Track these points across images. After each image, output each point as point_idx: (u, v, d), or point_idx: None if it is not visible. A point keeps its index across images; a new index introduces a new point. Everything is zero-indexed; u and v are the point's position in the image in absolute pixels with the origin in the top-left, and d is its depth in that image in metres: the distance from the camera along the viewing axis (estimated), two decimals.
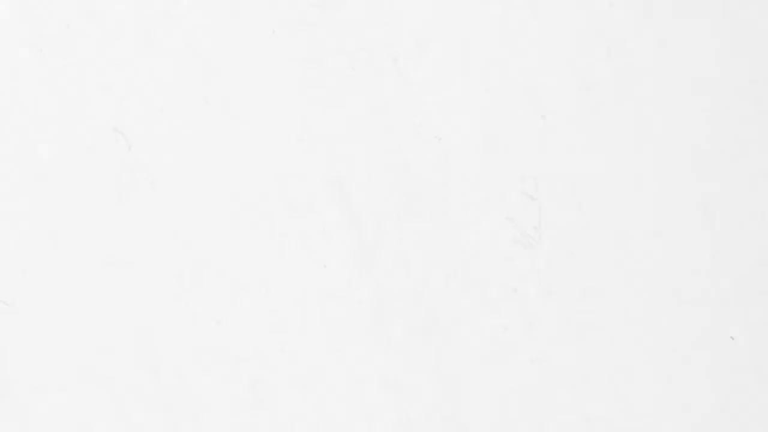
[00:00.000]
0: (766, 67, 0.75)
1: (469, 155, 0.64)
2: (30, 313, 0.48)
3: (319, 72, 0.59)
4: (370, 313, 0.57)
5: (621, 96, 0.71)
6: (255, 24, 0.57)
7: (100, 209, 0.50)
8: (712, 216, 0.73)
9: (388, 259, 0.59)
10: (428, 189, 0.61)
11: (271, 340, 0.53)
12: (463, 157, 0.64)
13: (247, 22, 0.57)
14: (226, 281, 0.53)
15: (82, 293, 0.49)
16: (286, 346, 0.54)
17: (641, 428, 0.69)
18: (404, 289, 0.59)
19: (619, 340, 0.69)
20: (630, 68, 0.72)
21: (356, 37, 0.61)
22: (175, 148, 0.52)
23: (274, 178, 0.56)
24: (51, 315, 0.49)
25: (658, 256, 0.72)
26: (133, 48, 0.53)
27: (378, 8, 0.63)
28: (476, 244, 0.63)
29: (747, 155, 0.74)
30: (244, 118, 0.55)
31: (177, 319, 0.51)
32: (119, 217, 0.51)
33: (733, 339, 0.73)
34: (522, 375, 0.63)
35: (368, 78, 0.61)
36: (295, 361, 0.54)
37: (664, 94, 0.73)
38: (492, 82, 0.67)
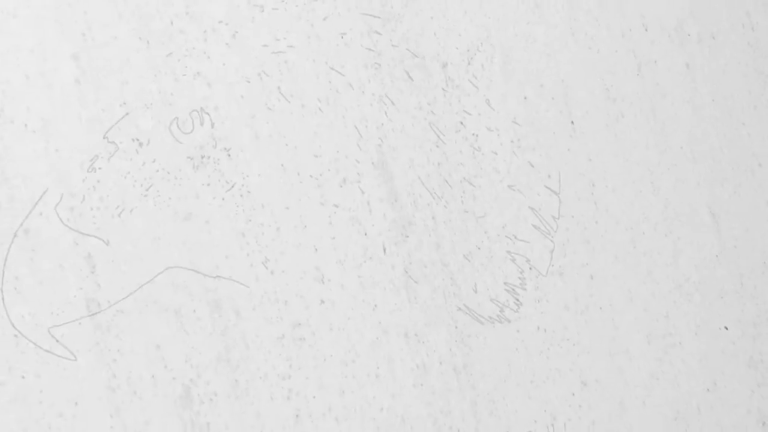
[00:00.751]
0: None
1: (502, 151, 0.72)
2: (121, 249, 0.59)
3: (378, 74, 0.68)
4: (400, 277, 0.66)
5: (644, 109, 0.79)
6: (327, 29, 0.66)
7: (183, 173, 0.61)
8: (719, 220, 0.80)
9: (420, 233, 0.68)
10: (462, 177, 0.70)
11: (313, 290, 0.63)
12: (496, 153, 0.72)
13: (320, 27, 0.66)
14: (281, 238, 0.62)
15: (164, 240, 0.58)
16: (326, 297, 0.63)
17: (631, 396, 0.75)
18: (432, 260, 0.67)
19: (619, 320, 0.76)
20: (656, 86, 0.80)
21: (412, 47, 0.69)
22: (250, 129, 0.62)
23: (332, 159, 0.65)
24: (136, 253, 0.59)
25: (664, 251, 0.78)
26: (223, 44, 0.62)
27: (432, 23, 0.71)
28: (499, 228, 0.71)
29: (754, 169, 0.81)
30: (311, 109, 0.65)
31: (237, 266, 0.61)
32: (198, 180, 0.61)
33: (727, 329, 0.79)
34: (528, 340, 0.71)
35: (420, 81, 0.70)
36: (332, 310, 0.64)
37: (684, 111, 0.80)
38: (529, 90, 0.75)
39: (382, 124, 0.66)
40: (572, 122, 0.74)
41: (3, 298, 0.51)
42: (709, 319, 0.79)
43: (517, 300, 0.69)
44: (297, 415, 0.59)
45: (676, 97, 0.80)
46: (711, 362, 0.78)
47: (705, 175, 0.80)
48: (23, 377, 0.51)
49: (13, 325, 0.51)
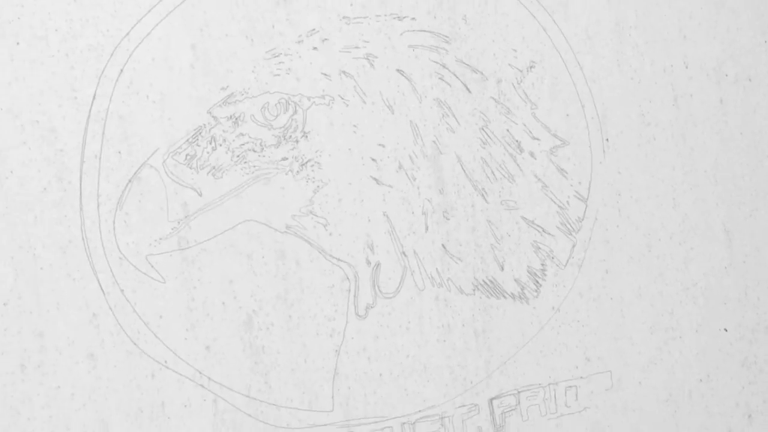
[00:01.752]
0: None
1: (540, 159, 0.81)
2: (211, 201, 0.71)
3: (440, 83, 0.79)
4: (438, 251, 0.76)
5: (675, 135, 0.87)
6: (402, 42, 0.77)
7: (267, 148, 0.73)
8: (732, 237, 0.87)
9: (460, 217, 0.77)
10: (501, 176, 0.80)
11: (362, 254, 0.74)
12: (535, 159, 0.81)
13: (396, 40, 0.77)
14: (341, 208, 0.73)
15: (246, 198, 0.71)
16: (372, 259, 0.74)
17: (629, 375, 0.82)
18: (467, 240, 0.77)
19: (627, 311, 0.83)
20: (689, 116, 0.87)
21: (473, 63, 0.80)
22: (326, 117, 0.73)
23: (392, 148, 0.76)
24: (222, 206, 0.71)
25: (677, 258, 0.85)
26: (312, 47, 0.74)
27: (493, 45, 0.81)
28: (528, 221, 0.80)
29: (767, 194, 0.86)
30: (379, 106, 0.76)
31: (303, 225, 0.72)
32: (278, 154, 0.73)
33: (726, 331, 0.86)
34: (542, 317, 0.79)
35: (476, 93, 0.80)
36: (376, 271, 0.75)
37: (712, 140, 0.87)
38: (571, 108, 0.84)
39: (438, 124, 0.77)
40: (607, 139, 0.83)
41: (115, 229, 0.66)
42: (710, 321, 0.85)
43: (537, 283, 0.78)
44: (336, 351, 0.71)
45: (706, 128, 0.88)
46: (707, 357, 0.84)
47: (724, 197, 0.87)
48: (122, 291, 0.65)
49: (120, 250, 0.66)
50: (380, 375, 0.69)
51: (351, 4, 0.77)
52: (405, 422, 0.69)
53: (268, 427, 0.66)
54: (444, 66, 0.78)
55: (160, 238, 0.65)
